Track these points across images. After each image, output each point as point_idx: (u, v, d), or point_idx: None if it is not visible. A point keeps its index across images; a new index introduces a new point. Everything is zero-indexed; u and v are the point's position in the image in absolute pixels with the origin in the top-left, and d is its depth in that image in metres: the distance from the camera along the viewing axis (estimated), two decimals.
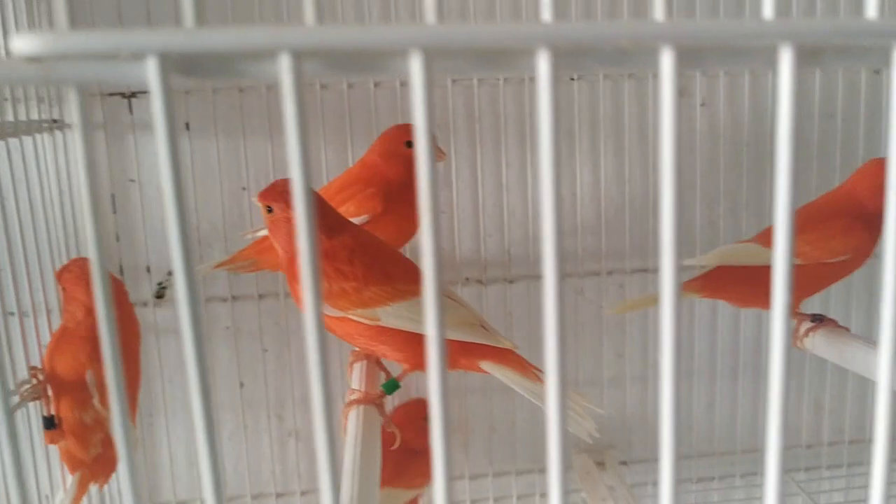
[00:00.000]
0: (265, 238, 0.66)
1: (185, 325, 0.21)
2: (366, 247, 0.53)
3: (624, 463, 0.84)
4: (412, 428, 0.69)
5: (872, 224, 0.59)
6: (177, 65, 0.20)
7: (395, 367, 0.58)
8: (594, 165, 0.79)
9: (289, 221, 0.53)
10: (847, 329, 0.62)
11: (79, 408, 0.60)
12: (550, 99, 0.19)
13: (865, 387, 0.84)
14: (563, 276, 0.21)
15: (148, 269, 0.76)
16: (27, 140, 0.65)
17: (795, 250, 0.59)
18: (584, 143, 0.79)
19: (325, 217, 0.53)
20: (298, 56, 0.19)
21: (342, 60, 0.20)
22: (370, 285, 0.52)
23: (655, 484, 0.84)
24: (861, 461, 0.85)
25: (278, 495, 0.82)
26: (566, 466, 0.22)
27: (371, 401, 0.55)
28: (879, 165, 0.61)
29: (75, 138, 0.21)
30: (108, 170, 0.75)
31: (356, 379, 0.59)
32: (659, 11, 0.20)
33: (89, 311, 0.61)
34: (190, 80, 0.20)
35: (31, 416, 0.66)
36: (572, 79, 0.77)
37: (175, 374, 0.78)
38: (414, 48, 0.19)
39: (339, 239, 0.52)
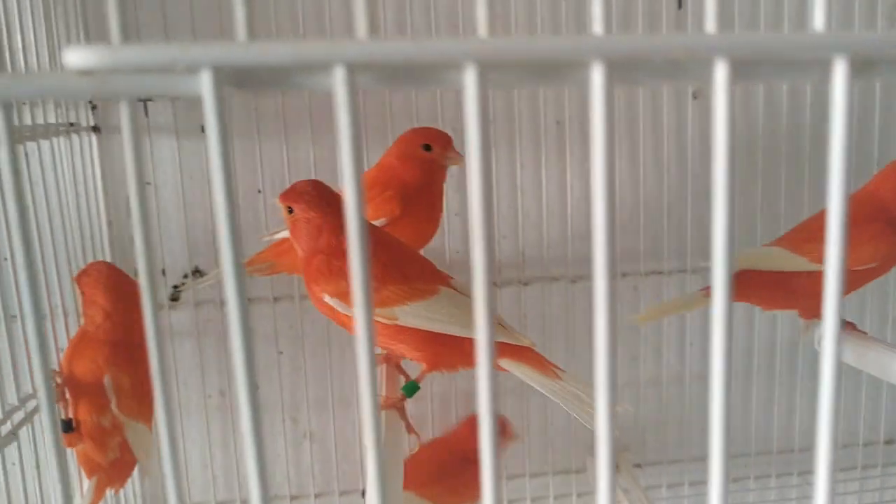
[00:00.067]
0: (283, 241, 0.66)
1: (235, 329, 0.21)
2: (384, 246, 0.54)
3: (638, 465, 0.84)
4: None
5: None
6: (230, 78, 0.20)
7: (413, 370, 0.58)
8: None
9: (309, 222, 0.53)
10: (866, 333, 0.62)
11: (97, 412, 0.60)
12: (605, 111, 0.19)
13: (880, 389, 0.84)
14: (614, 278, 0.21)
15: (163, 272, 0.77)
16: (44, 143, 0.65)
17: (822, 257, 0.59)
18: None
19: (340, 216, 0.53)
20: (352, 69, 0.19)
21: (395, 73, 0.20)
22: (388, 284, 0.52)
23: (670, 486, 0.84)
24: (874, 463, 0.85)
25: (293, 497, 0.82)
26: (613, 469, 0.22)
27: (392, 405, 0.55)
28: None
29: (124, 150, 0.21)
30: (123, 173, 0.75)
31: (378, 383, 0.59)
32: (710, 24, 0.20)
33: (108, 315, 0.61)
34: (241, 92, 0.20)
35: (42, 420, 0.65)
36: None
37: (189, 377, 0.78)
38: (468, 61, 0.19)
39: None
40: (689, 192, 0.79)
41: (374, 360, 0.21)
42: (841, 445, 0.85)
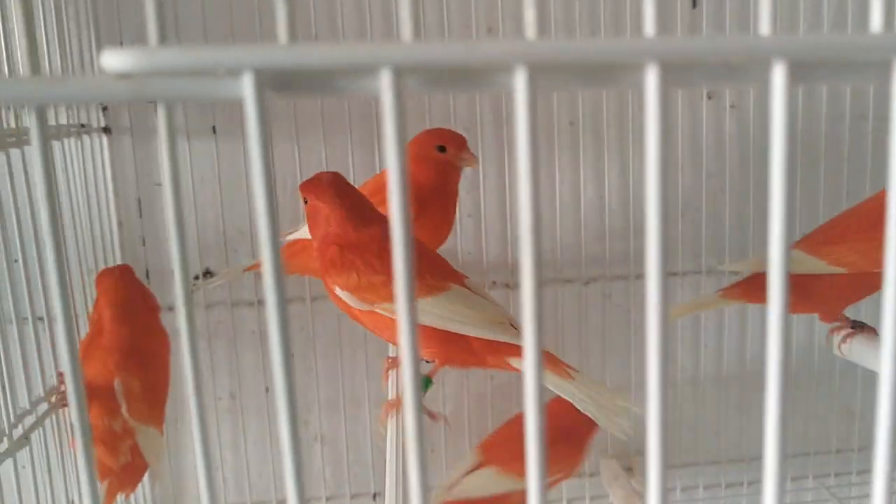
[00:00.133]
0: (295, 242, 0.66)
1: (274, 334, 0.21)
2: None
3: None
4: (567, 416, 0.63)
5: None
6: (271, 81, 0.19)
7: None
8: (622, 169, 0.79)
9: (320, 212, 0.53)
10: None
11: (108, 415, 0.59)
12: (659, 115, 0.19)
13: None
14: (665, 277, 0.20)
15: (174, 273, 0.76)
16: (55, 145, 0.65)
17: (842, 259, 0.59)
18: (612, 147, 0.78)
19: (357, 208, 0.53)
20: (399, 72, 0.19)
21: (443, 76, 0.19)
22: None
23: (684, 489, 0.84)
24: (893, 467, 0.84)
25: (304, 500, 0.81)
26: (666, 471, 0.21)
27: (402, 403, 0.54)
28: None
29: (161, 154, 0.20)
30: (134, 174, 0.74)
31: (392, 386, 0.58)
32: (765, 25, 0.20)
33: (118, 319, 0.60)
34: (283, 96, 0.19)
35: (54, 424, 0.65)
36: None
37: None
38: (519, 64, 0.19)
39: (368, 231, 0.52)
40: (703, 193, 0.79)
41: (418, 364, 0.20)
42: (858, 449, 0.84)
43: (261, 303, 0.77)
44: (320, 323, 0.77)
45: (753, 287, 0.63)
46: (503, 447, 0.70)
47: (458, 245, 0.78)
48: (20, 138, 0.57)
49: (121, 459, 0.61)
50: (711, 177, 0.79)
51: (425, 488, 0.21)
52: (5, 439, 0.55)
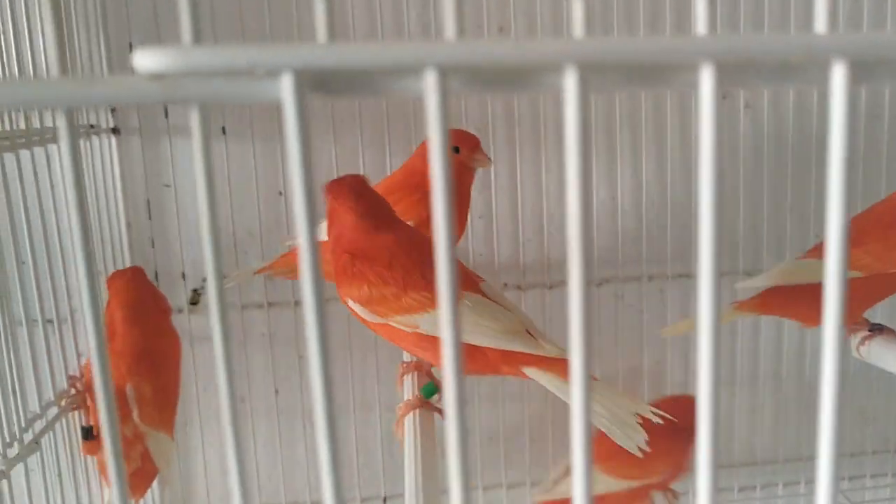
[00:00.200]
0: None
1: (312, 331, 0.20)
2: (407, 249, 0.52)
3: None
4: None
5: None
6: (311, 81, 0.18)
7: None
8: (635, 170, 0.78)
9: (334, 213, 0.53)
10: None
11: (119, 420, 0.59)
12: (714, 116, 0.18)
13: None
14: (719, 277, 0.19)
15: (183, 276, 0.75)
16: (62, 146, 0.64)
17: (857, 263, 0.58)
18: (625, 148, 0.77)
19: (372, 214, 0.52)
20: (444, 72, 0.18)
21: (489, 76, 0.18)
22: (409, 291, 0.50)
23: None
24: None
25: None
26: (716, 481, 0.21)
27: (411, 409, 0.54)
28: None
29: (194, 156, 0.20)
30: (143, 175, 0.74)
31: (407, 391, 0.58)
32: (821, 23, 0.19)
33: (130, 323, 0.60)
34: (322, 96, 0.19)
35: (64, 428, 0.64)
36: None
37: (210, 382, 0.77)
38: (569, 63, 0.18)
39: (381, 238, 0.51)
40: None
41: (462, 384, 0.20)
42: (871, 452, 0.83)
43: (270, 305, 0.76)
44: (331, 325, 0.77)
45: (768, 300, 0.62)
46: (602, 446, 0.68)
47: (469, 246, 0.77)
48: (29, 139, 0.56)
49: (131, 464, 0.60)
50: (725, 178, 0.78)
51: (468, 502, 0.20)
52: (16, 444, 0.55)
